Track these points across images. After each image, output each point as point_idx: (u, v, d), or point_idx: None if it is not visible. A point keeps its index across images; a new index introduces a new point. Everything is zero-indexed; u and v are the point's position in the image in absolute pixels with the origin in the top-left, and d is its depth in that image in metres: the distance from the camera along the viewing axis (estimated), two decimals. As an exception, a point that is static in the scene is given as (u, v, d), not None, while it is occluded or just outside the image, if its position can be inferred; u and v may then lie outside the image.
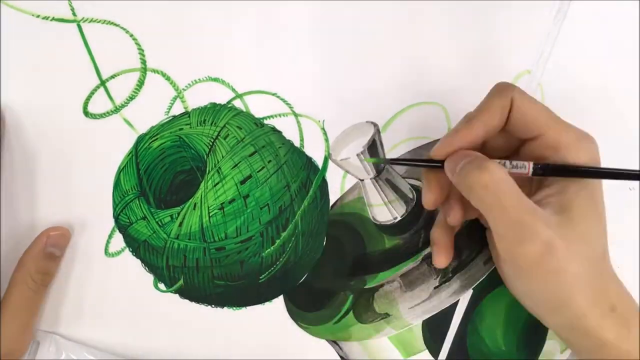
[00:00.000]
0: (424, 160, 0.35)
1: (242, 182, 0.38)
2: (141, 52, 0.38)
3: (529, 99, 0.33)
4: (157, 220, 0.39)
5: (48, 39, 0.37)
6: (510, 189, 0.30)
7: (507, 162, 0.32)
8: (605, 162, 0.41)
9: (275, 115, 0.40)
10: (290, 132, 0.40)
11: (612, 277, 0.32)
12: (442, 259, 0.36)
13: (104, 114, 0.39)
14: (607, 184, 0.41)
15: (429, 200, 0.35)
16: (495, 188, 0.30)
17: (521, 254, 0.30)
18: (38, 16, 0.37)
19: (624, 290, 0.32)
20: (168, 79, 0.39)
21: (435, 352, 0.41)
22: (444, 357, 0.41)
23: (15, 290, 0.36)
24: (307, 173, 0.40)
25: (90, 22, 0.37)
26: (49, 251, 0.37)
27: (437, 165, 0.33)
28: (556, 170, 0.32)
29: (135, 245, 0.39)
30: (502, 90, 0.33)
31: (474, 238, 0.39)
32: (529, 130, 0.33)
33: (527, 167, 0.32)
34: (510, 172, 0.31)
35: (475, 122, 0.33)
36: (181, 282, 0.40)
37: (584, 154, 0.32)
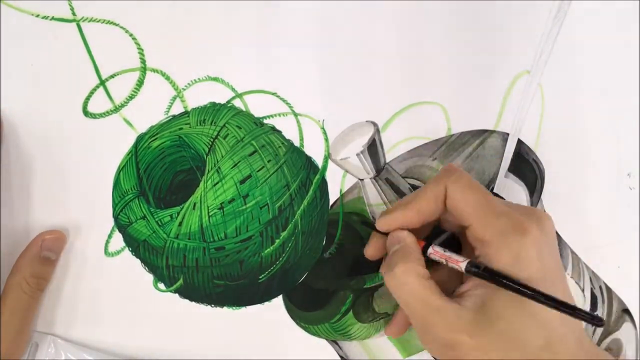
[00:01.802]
0: (372, 226, 0.37)
1: (242, 182, 0.38)
2: (141, 51, 0.38)
3: (462, 187, 0.33)
4: (156, 219, 0.39)
5: (47, 39, 0.37)
6: (413, 291, 0.32)
7: (447, 253, 0.33)
8: (606, 163, 0.42)
9: (275, 115, 0.40)
10: (290, 131, 0.40)
11: None
12: (394, 330, 0.39)
13: (104, 113, 0.39)
14: (606, 179, 0.41)
15: (369, 254, 0.37)
16: (400, 291, 0.33)
17: (428, 350, 0.33)
18: (37, 15, 0.37)
19: None
20: (168, 78, 0.39)
21: (434, 351, 0.41)
22: (444, 357, 0.41)
23: (10, 295, 0.37)
24: (306, 172, 0.40)
25: (89, 21, 0.37)
26: (44, 255, 0.37)
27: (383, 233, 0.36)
28: (483, 275, 0.31)
29: (135, 245, 0.39)
30: (439, 178, 0.34)
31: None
32: (460, 220, 0.33)
33: (460, 265, 0.32)
34: (448, 259, 0.33)
35: (411, 207, 0.34)
36: (181, 281, 0.40)
37: (505, 252, 0.31)
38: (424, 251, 0.34)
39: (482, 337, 0.30)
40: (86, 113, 0.38)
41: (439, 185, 0.34)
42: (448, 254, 0.33)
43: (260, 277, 0.40)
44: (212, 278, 0.39)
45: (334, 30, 0.39)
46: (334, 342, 0.42)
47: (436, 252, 0.33)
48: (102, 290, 0.40)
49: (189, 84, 0.39)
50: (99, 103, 0.38)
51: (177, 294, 0.40)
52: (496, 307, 0.31)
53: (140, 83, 0.38)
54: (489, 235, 0.31)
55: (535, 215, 0.32)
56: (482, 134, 0.41)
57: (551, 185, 0.41)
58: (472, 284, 0.32)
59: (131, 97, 0.39)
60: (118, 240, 0.40)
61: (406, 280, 0.32)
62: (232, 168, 0.39)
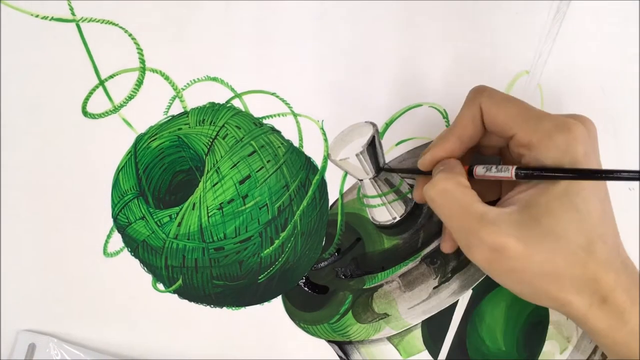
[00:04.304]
0: (414, 170, 0.37)
1: (241, 182, 0.38)
2: (140, 51, 0.38)
3: (497, 101, 0.33)
4: (156, 220, 0.39)
5: (47, 39, 0.37)
6: (454, 198, 0.32)
7: (493, 167, 0.33)
8: (605, 163, 0.42)
9: (274, 115, 0.40)
10: (289, 131, 0.40)
11: (607, 267, 0.30)
12: (447, 245, 0.37)
13: (103, 113, 0.39)
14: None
15: (417, 198, 0.37)
16: (440, 200, 0.32)
17: (473, 259, 0.31)
18: (37, 16, 0.37)
19: (627, 280, 0.31)
20: (167, 78, 0.39)
21: (434, 352, 0.41)
22: (444, 358, 0.41)
23: None
24: (306, 173, 0.40)
25: (89, 21, 0.37)
26: None
27: (426, 173, 0.35)
28: (535, 175, 0.31)
29: (134, 245, 0.39)
30: (471, 98, 0.34)
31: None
32: (503, 132, 0.33)
33: (510, 172, 0.31)
34: (496, 176, 0.32)
35: (450, 135, 0.34)
36: (180, 282, 0.40)
37: (554, 150, 0.31)
38: (469, 174, 0.33)
39: (527, 237, 0.30)
40: (85, 113, 0.38)
41: (473, 106, 0.33)
42: (494, 169, 0.32)
43: (260, 277, 0.40)
44: (211, 278, 0.39)
45: (333, 31, 0.39)
46: (333, 343, 0.42)
47: (480, 172, 0.33)
48: (101, 290, 0.40)
49: (188, 84, 0.39)
50: (98, 103, 0.38)
51: (176, 295, 0.40)
52: (541, 204, 0.30)
53: (139, 83, 0.38)
54: (536, 139, 0.31)
55: (579, 118, 0.32)
56: (481, 134, 0.40)
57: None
58: (516, 191, 0.32)
59: (130, 97, 0.39)
60: (117, 240, 0.40)
61: (446, 186, 0.32)
62: (231, 168, 0.38)
